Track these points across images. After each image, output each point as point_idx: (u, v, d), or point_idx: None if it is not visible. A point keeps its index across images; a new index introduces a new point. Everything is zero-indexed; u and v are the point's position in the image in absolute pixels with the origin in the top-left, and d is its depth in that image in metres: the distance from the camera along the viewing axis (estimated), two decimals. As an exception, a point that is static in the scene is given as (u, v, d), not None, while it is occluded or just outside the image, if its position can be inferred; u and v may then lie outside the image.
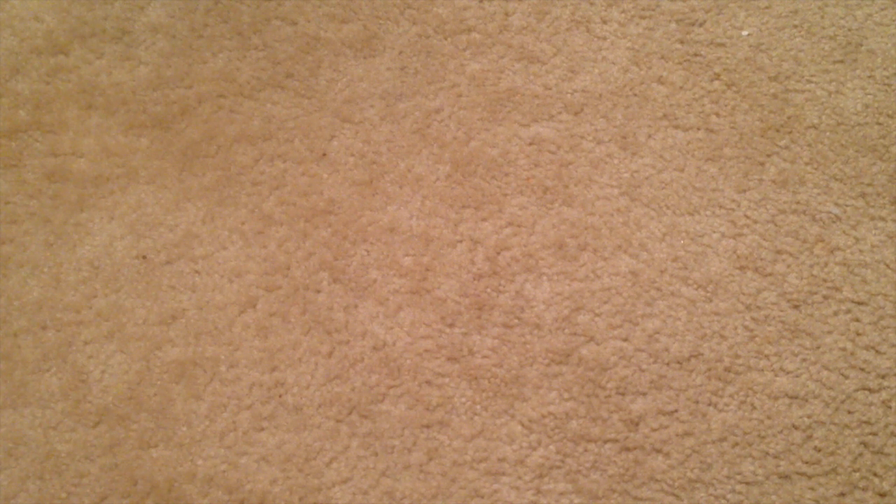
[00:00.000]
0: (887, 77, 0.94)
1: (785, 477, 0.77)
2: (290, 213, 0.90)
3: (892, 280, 0.84)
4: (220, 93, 0.97)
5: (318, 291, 0.86)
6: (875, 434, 0.78)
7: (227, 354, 0.83)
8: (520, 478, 0.78)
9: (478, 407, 0.80)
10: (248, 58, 0.99)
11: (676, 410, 0.79)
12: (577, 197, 0.89)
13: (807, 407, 0.79)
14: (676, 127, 0.93)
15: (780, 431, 0.78)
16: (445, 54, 0.98)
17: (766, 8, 0.99)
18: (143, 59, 0.99)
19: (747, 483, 0.76)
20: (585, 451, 0.78)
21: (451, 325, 0.84)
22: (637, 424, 0.79)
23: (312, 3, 1.02)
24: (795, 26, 0.98)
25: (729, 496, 0.76)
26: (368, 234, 0.88)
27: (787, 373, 0.80)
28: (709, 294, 0.84)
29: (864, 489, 0.76)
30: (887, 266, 0.85)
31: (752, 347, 0.82)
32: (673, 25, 0.99)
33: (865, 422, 0.78)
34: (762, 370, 0.81)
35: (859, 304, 0.83)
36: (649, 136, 0.92)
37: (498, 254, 0.87)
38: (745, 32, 0.98)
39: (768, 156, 0.91)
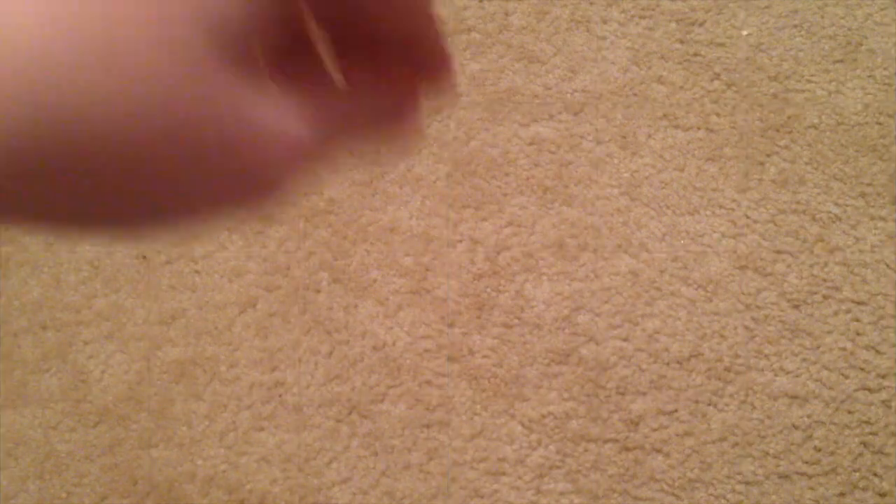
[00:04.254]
0: (887, 77, 0.94)
1: (785, 477, 0.77)
2: (290, 213, 0.90)
3: (892, 280, 0.84)
4: (220, 93, 0.97)
5: (318, 291, 0.86)
6: (875, 434, 0.78)
7: (227, 354, 0.83)
8: (520, 478, 0.78)
9: (478, 407, 0.80)
10: (248, 58, 0.99)
11: (676, 410, 0.79)
12: (577, 197, 0.89)
13: (807, 407, 0.79)
14: (676, 127, 0.93)
15: (780, 431, 0.78)
16: (445, 54, 0.98)
17: (766, 8, 0.99)
18: (143, 59, 0.99)
19: (747, 483, 0.76)
20: (585, 451, 0.78)
21: (451, 325, 0.84)
22: (637, 424, 0.79)
23: (312, 3, 1.02)
24: (795, 26, 0.98)
25: (729, 496, 0.76)
26: (368, 234, 0.88)
27: (787, 373, 0.80)
28: (709, 294, 0.84)
29: (864, 489, 0.76)
30: (887, 266, 0.84)
31: (752, 347, 0.82)
32: (673, 25, 0.99)
33: (865, 422, 0.78)
34: (762, 370, 0.81)
35: (859, 304, 0.83)
36: (649, 136, 0.92)
37: (498, 254, 0.87)
38: (745, 32, 0.98)
39: (768, 156, 0.90)
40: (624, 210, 0.88)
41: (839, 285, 0.84)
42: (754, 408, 0.79)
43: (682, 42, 0.98)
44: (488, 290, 0.85)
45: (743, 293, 0.84)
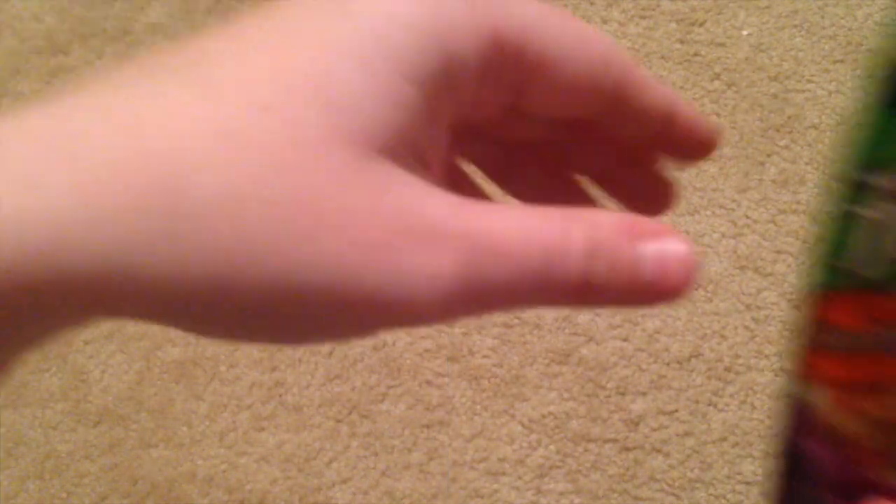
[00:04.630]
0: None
1: (785, 477, 0.77)
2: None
3: (892, 280, 0.84)
4: (220, 93, 0.97)
5: (318, 291, 0.86)
6: (875, 434, 0.78)
7: (227, 354, 0.83)
8: (520, 478, 0.78)
9: (478, 407, 0.80)
10: (248, 58, 0.99)
11: (676, 410, 0.79)
12: (577, 197, 0.89)
13: (807, 407, 0.79)
14: (676, 127, 0.93)
15: (780, 431, 0.78)
16: (445, 54, 0.98)
17: (767, 8, 0.99)
18: (143, 59, 0.99)
19: (747, 483, 0.76)
20: (585, 451, 0.78)
21: (451, 325, 0.84)
22: (637, 424, 0.79)
23: (312, 3, 1.02)
24: (795, 26, 0.98)
25: (729, 496, 0.76)
26: (368, 234, 0.88)
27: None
28: (709, 294, 0.84)
29: (864, 489, 0.76)
30: (887, 266, 0.84)
31: (752, 347, 0.82)
32: (673, 25, 0.99)
33: (865, 422, 0.78)
34: (762, 370, 0.81)
35: (859, 304, 0.83)
36: (649, 136, 0.92)
37: (498, 254, 0.87)
38: (745, 32, 0.98)
39: (768, 156, 0.91)
40: (624, 210, 0.88)
41: (839, 285, 0.84)
42: (754, 408, 0.79)
43: (682, 42, 0.98)
44: (488, 290, 0.85)
45: (743, 293, 0.84)
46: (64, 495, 0.79)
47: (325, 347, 0.83)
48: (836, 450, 0.23)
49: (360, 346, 0.83)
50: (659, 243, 0.17)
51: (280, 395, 0.81)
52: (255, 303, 0.15)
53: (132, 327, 0.85)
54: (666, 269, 0.17)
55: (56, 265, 0.14)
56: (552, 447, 0.79)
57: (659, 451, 0.78)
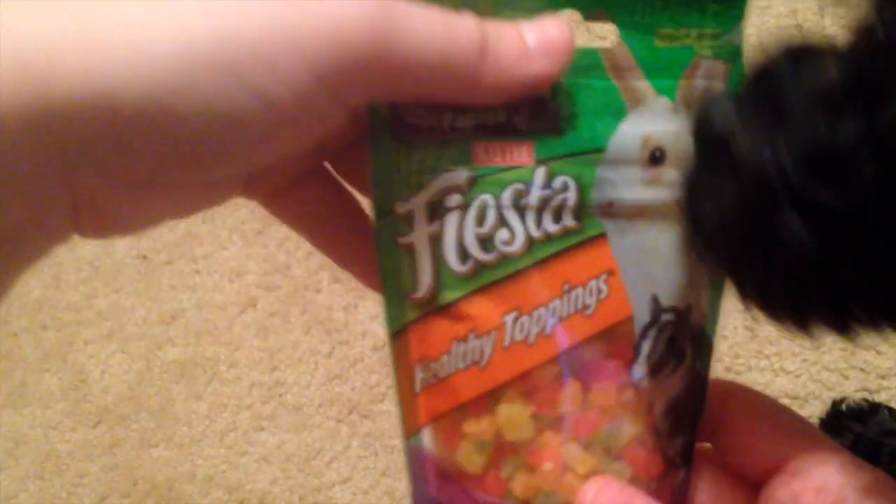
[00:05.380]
0: (887, 77, 0.94)
1: (785, 477, 0.77)
2: (290, 213, 0.90)
3: (892, 280, 0.84)
4: (220, 93, 0.97)
5: (318, 291, 0.86)
6: (875, 434, 0.78)
7: (227, 354, 0.83)
8: (520, 478, 0.78)
9: (478, 407, 0.80)
10: (248, 58, 0.99)
11: (676, 410, 0.79)
12: (577, 197, 0.89)
13: (807, 407, 0.79)
14: (676, 127, 0.93)
15: (780, 431, 0.78)
16: (445, 54, 0.98)
17: (767, 8, 0.99)
18: (143, 58, 0.99)
19: (747, 483, 0.76)
20: (585, 451, 0.78)
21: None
22: (637, 424, 0.79)
23: (312, 2, 1.02)
24: (795, 26, 0.98)
25: (729, 496, 0.76)
26: (368, 234, 0.88)
27: (787, 373, 0.80)
28: (709, 294, 0.84)
29: (864, 489, 0.76)
30: (887, 266, 0.84)
31: (752, 347, 0.82)
32: (673, 25, 0.99)
33: (865, 422, 0.78)
34: (762, 370, 0.81)
35: (859, 304, 0.83)
36: (649, 136, 0.92)
37: (498, 254, 0.87)
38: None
39: (768, 156, 0.90)
40: (624, 210, 0.88)
41: (839, 285, 0.84)
42: (754, 408, 0.79)
43: (682, 42, 0.97)
44: (488, 290, 0.85)
45: (743, 293, 0.84)
46: (64, 495, 0.79)
47: (325, 347, 0.83)
48: (458, 487, 0.22)
49: (359, 346, 0.83)
50: (537, 22, 0.20)
51: (280, 395, 0.81)
52: (210, 55, 0.17)
53: (132, 327, 0.85)
54: (547, 35, 0.20)
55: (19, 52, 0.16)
56: (552, 447, 0.79)
57: (659, 451, 0.78)
